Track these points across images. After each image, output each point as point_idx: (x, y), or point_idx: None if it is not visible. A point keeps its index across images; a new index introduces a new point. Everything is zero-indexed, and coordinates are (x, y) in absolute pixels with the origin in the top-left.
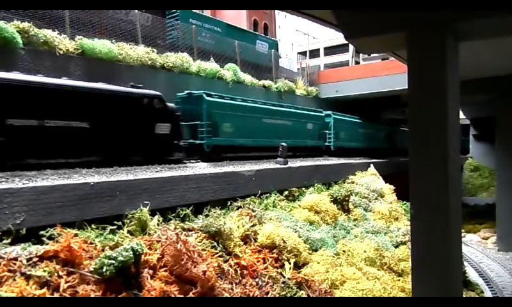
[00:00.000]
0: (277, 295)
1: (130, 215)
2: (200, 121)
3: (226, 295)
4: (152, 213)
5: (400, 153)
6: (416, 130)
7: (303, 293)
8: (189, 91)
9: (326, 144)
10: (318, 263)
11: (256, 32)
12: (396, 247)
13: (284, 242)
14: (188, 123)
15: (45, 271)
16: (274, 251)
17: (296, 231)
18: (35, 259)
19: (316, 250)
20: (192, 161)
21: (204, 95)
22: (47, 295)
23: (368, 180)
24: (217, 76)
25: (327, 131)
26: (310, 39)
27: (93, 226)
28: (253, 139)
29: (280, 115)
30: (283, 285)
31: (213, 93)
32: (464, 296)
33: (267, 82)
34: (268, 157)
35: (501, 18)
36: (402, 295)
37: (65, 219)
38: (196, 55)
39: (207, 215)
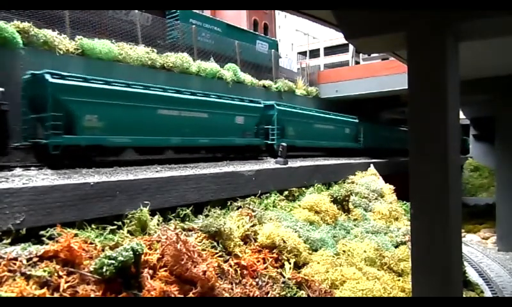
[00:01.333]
0: (277, 295)
1: (130, 215)
2: (45, 113)
3: (226, 295)
4: (152, 213)
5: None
6: (416, 130)
7: (303, 293)
8: (33, 72)
9: (269, 142)
10: (318, 263)
11: (256, 32)
12: (396, 247)
13: (284, 242)
14: (36, 116)
15: (45, 271)
16: (274, 251)
17: (295, 231)
18: (35, 259)
19: (316, 250)
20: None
21: (47, 75)
22: (47, 295)
23: (368, 180)
24: (217, 76)
25: (270, 126)
26: (310, 39)
27: (93, 226)
28: (138, 137)
29: (181, 104)
30: (283, 285)
31: (64, 73)
32: (464, 296)
33: (267, 82)
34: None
35: (501, 18)
36: (402, 295)
37: (65, 219)
38: (196, 55)
39: (207, 215)
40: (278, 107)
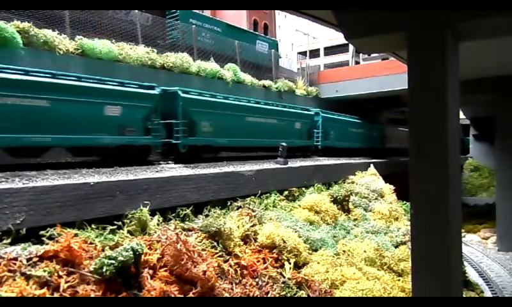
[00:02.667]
0: (277, 295)
1: (130, 215)
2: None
3: (226, 295)
4: (152, 213)
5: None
6: (416, 130)
7: (303, 293)
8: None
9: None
10: (318, 263)
11: (256, 32)
12: (396, 247)
13: (284, 242)
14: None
15: (45, 271)
16: (274, 251)
17: (296, 231)
18: (35, 259)
19: (316, 250)
20: None
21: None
22: (47, 295)
23: (368, 180)
24: (217, 76)
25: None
26: (310, 39)
27: (93, 226)
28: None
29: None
30: (283, 285)
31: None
32: (464, 296)
33: (267, 82)
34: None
35: (501, 18)
36: (402, 295)
37: (65, 219)
38: (196, 55)
39: (207, 215)
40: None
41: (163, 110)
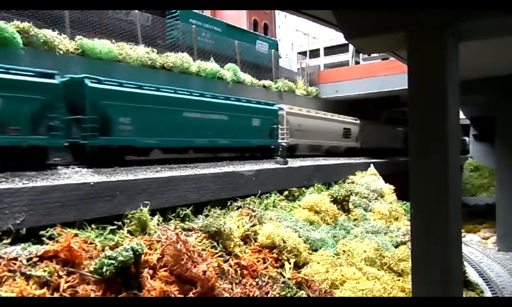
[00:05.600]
0: (277, 295)
1: (130, 215)
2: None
3: (226, 295)
4: (152, 213)
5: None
6: (416, 130)
7: (303, 293)
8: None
9: (82, 141)
10: (318, 263)
11: (256, 32)
12: (396, 247)
13: (284, 242)
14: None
15: (45, 271)
16: (274, 251)
17: (296, 231)
18: (35, 259)
19: (316, 250)
20: None
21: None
22: (47, 295)
23: (368, 180)
24: (217, 76)
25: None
26: (310, 39)
27: (93, 226)
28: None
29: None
30: (283, 285)
31: None
32: (464, 296)
33: (267, 82)
34: None
35: (501, 18)
36: (402, 295)
37: (65, 219)
38: (196, 55)
39: (207, 215)
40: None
41: (71, 103)
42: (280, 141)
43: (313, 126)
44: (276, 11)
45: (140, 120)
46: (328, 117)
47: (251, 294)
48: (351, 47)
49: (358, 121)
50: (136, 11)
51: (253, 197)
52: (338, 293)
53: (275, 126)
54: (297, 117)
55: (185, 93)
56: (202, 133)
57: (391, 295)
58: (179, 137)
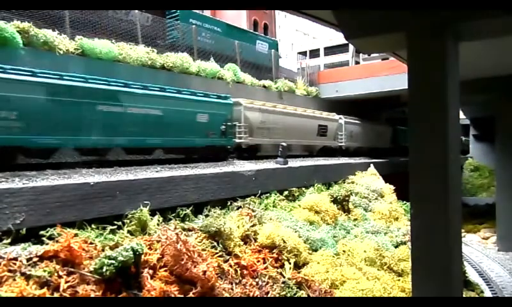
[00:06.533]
0: (277, 295)
1: (130, 215)
2: None
3: (226, 295)
4: (152, 213)
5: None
6: (416, 130)
7: (303, 293)
8: None
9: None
10: (318, 263)
11: (256, 32)
12: (396, 247)
13: (284, 242)
14: None
15: (45, 271)
16: (274, 251)
17: (296, 231)
18: (35, 259)
19: (316, 250)
20: None
21: None
22: (47, 295)
23: (368, 180)
24: (217, 76)
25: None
26: (310, 39)
27: (93, 226)
28: None
29: None
30: (283, 285)
31: None
32: (464, 296)
33: (267, 82)
34: None
35: (501, 18)
36: (402, 295)
37: (65, 219)
38: (196, 55)
39: (207, 215)
40: None
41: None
42: (237, 140)
43: (281, 123)
44: (276, 11)
45: (32, 115)
46: (299, 113)
47: (251, 294)
48: (351, 47)
49: (337, 117)
50: (136, 11)
51: (253, 197)
52: (338, 293)
53: (229, 123)
54: (259, 113)
55: (101, 81)
56: (124, 131)
57: (391, 295)
58: (97, 136)
